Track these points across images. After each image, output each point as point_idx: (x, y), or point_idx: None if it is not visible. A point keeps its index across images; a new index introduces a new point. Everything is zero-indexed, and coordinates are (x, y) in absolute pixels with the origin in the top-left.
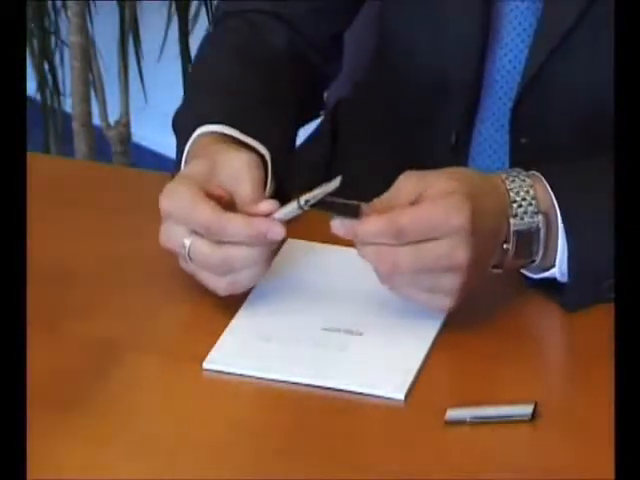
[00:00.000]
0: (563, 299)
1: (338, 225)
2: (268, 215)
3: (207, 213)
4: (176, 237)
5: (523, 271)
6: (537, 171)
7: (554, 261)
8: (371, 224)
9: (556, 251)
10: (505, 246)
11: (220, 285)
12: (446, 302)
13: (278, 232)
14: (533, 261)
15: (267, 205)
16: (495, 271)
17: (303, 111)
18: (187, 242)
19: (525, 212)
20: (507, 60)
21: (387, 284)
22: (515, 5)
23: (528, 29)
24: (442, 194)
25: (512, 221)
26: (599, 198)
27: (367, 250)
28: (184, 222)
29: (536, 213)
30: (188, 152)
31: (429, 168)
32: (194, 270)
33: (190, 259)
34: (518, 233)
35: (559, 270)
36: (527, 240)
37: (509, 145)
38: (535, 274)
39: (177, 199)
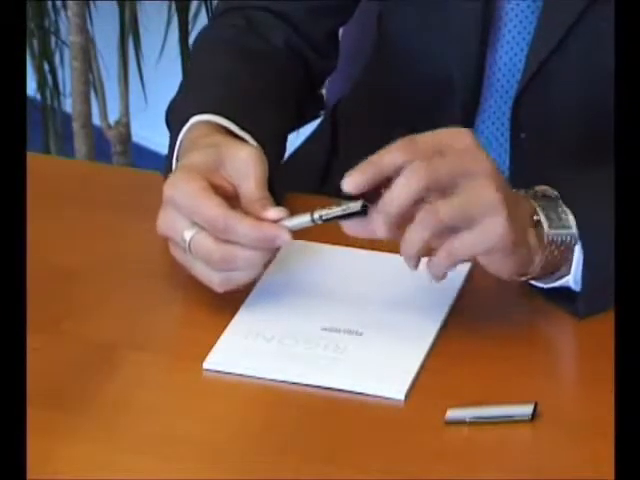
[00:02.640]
0: (574, 307)
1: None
2: (276, 221)
3: (215, 210)
4: (177, 227)
5: (534, 282)
6: (549, 182)
7: (569, 270)
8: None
9: (572, 260)
10: (535, 217)
11: (215, 280)
12: (497, 222)
13: (286, 240)
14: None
15: (276, 213)
16: (523, 279)
17: (299, 108)
18: (188, 234)
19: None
20: (508, 58)
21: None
22: (516, 3)
23: (528, 27)
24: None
25: (548, 231)
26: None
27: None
28: (188, 214)
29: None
30: (182, 140)
31: None
32: (190, 262)
33: (190, 251)
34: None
35: (573, 278)
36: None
37: (509, 142)
38: (547, 284)
39: (183, 190)
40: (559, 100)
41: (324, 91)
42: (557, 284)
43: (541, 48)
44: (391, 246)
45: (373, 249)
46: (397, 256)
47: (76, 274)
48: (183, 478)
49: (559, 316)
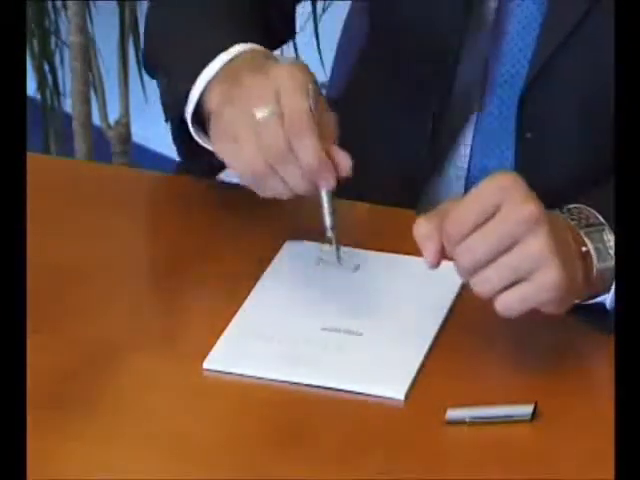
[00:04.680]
0: (606, 324)
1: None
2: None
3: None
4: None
5: None
6: (584, 204)
7: (609, 288)
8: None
9: (613, 278)
10: (584, 249)
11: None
12: (549, 272)
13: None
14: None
15: (341, 158)
16: (577, 301)
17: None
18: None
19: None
20: (512, 55)
21: (473, 283)
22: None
23: (533, 23)
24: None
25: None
26: None
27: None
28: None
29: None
30: (222, 69)
31: (419, 163)
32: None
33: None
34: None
35: (610, 297)
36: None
37: (515, 140)
38: (585, 300)
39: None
40: (565, 97)
41: (324, 91)
42: (594, 301)
43: (547, 45)
44: (391, 247)
45: (373, 249)
46: (397, 256)
47: (76, 274)
48: (183, 478)
49: (559, 316)
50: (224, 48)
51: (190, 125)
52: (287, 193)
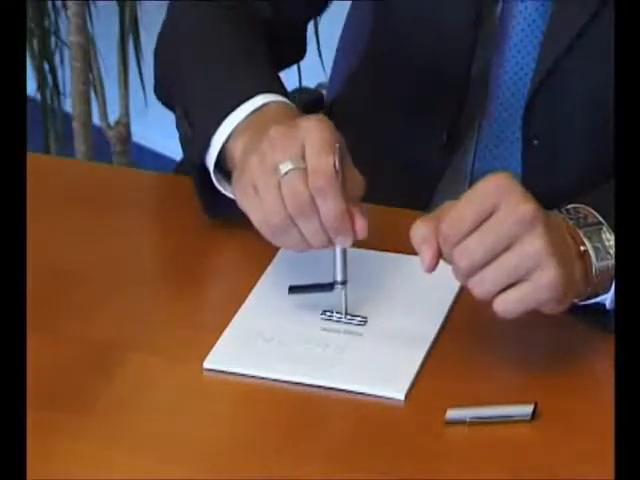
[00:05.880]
0: (606, 323)
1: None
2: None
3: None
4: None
5: None
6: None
7: (609, 288)
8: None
9: (612, 278)
10: (582, 248)
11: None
12: (547, 272)
13: (348, 243)
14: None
15: (360, 222)
16: (575, 301)
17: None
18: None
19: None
20: (515, 62)
21: (471, 284)
22: (524, 6)
23: (536, 31)
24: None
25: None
26: None
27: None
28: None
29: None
30: (248, 119)
31: (419, 168)
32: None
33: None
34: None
35: (611, 297)
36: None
37: (521, 147)
38: (582, 301)
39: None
40: (570, 103)
41: (324, 91)
42: (594, 301)
43: (551, 51)
44: (392, 247)
45: (373, 249)
46: (397, 256)
47: (76, 274)
48: (183, 478)
49: (559, 316)
50: (247, 97)
51: (212, 172)
52: (303, 247)
